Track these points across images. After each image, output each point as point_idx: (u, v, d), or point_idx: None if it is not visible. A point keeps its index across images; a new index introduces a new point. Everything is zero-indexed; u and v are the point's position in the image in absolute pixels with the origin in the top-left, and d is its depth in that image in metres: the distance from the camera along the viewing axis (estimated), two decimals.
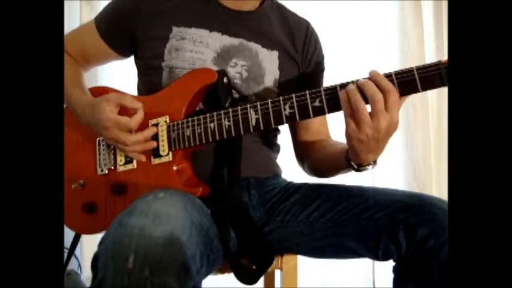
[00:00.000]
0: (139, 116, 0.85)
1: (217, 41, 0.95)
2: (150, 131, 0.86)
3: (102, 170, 0.93)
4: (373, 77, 0.72)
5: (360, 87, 0.72)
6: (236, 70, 0.95)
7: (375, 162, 0.80)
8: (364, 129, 0.72)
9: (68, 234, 0.98)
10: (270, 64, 0.98)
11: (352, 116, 0.72)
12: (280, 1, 1.09)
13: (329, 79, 1.09)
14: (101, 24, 1.01)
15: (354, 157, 0.79)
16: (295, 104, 0.78)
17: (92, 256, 0.64)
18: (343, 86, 0.75)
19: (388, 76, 0.72)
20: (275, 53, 0.99)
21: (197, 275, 0.64)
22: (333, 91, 0.76)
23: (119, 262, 0.58)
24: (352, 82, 0.74)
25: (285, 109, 0.79)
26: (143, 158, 0.87)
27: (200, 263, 0.66)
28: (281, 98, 0.79)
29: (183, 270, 0.60)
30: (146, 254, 0.58)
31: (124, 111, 0.86)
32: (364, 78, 0.73)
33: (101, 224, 0.92)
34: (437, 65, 0.71)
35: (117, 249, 0.59)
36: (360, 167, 0.81)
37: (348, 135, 0.74)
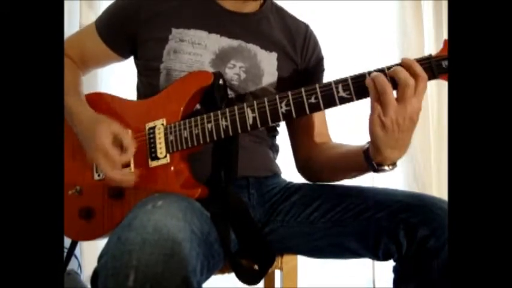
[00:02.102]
0: (127, 158, 0.84)
1: (215, 42, 0.95)
2: (129, 176, 0.85)
3: (99, 175, 0.92)
4: (405, 63, 0.72)
5: (391, 73, 0.72)
6: (234, 71, 0.95)
7: (394, 164, 0.79)
8: (389, 114, 0.71)
9: None
10: (268, 65, 0.98)
11: (378, 100, 0.72)
12: (280, 0, 1.09)
13: (329, 79, 1.09)
14: (101, 26, 1.01)
15: (376, 154, 0.77)
16: (291, 101, 0.78)
17: (92, 271, 0.64)
18: (337, 82, 0.76)
19: (381, 70, 0.74)
20: (274, 55, 0.99)
21: (198, 286, 0.64)
22: (327, 88, 0.76)
23: (120, 280, 0.58)
24: (346, 79, 0.75)
25: (281, 107, 0.79)
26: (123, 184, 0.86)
27: (201, 274, 0.66)
28: (277, 96, 0.80)
29: (184, 286, 0.60)
30: (147, 272, 0.58)
31: (117, 140, 0.85)
32: (395, 64, 0.74)
33: (98, 229, 0.92)
34: (428, 58, 0.73)
35: (117, 267, 0.59)
36: (379, 167, 0.79)
37: (372, 120, 0.74)
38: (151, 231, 0.61)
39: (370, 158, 0.79)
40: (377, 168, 0.79)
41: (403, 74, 0.71)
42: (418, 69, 0.71)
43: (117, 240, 0.62)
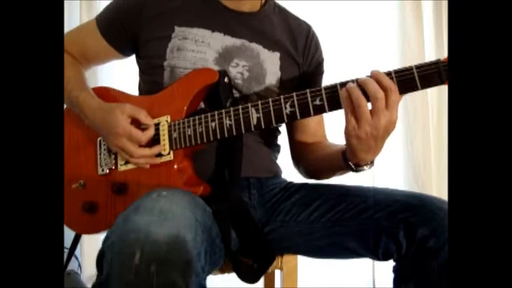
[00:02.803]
0: (150, 133, 0.86)
1: (219, 41, 0.95)
2: (157, 148, 0.86)
3: (102, 170, 0.93)
4: (374, 76, 0.72)
5: (361, 85, 0.72)
6: (237, 70, 0.95)
7: (372, 163, 0.80)
8: (363, 126, 0.72)
9: (68, 234, 0.98)
10: (271, 65, 0.98)
11: (353, 112, 0.73)
12: (281, 1, 1.09)
13: (329, 79, 1.08)
14: (102, 23, 1.01)
15: (352, 156, 0.79)
16: (296, 102, 0.78)
17: (97, 252, 0.65)
18: (343, 84, 0.76)
19: (388, 74, 0.73)
20: (276, 54, 0.99)
21: (202, 272, 0.64)
22: (333, 90, 0.76)
23: (126, 258, 0.59)
24: (352, 81, 0.75)
25: (285, 108, 0.79)
26: (147, 166, 0.87)
27: (204, 260, 0.66)
28: (282, 96, 0.80)
29: (188, 267, 0.60)
30: (153, 251, 0.58)
31: (133, 123, 0.86)
32: (365, 77, 0.74)
33: (101, 223, 0.93)
34: (436, 63, 0.72)
35: (124, 245, 0.60)
36: (357, 167, 0.81)
37: (347, 132, 0.74)
38: (157, 214, 0.62)
39: (347, 160, 0.81)
40: (355, 168, 0.82)
41: (372, 86, 0.71)
42: (386, 81, 0.71)
43: (123, 221, 0.63)
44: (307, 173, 1.04)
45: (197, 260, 0.62)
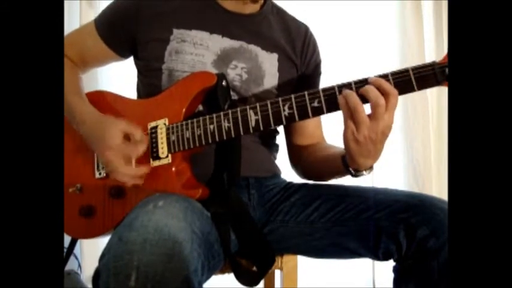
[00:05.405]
0: (142, 148, 0.84)
1: (217, 43, 0.95)
2: (143, 169, 0.84)
3: (100, 174, 0.92)
4: (374, 82, 0.72)
5: (363, 93, 0.72)
6: (236, 72, 0.95)
7: (371, 168, 0.80)
8: (362, 131, 0.72)
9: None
10: (269, 66, 0.98)
11: (351, 117, 0.73)
12: (281, 1, 1.09)
13: (329, 79, 1.08)
14: (101, 24, 1.01)
15: (351, 161, 0.79)
16: (294, 104, 0.78)
17: (93, 271, 0.64)
18: (341, 86, 0.76)
19: (385, 76, 0.73)
20: (275, 56, 0.99)
21: (199, 286, 0.64)
22: (331, 92, 0.76)
23: (121, 280, 0.58)
24: (350, 83, 0.75)
25: (284, 110, 0.79)
26: (129, 184, 0.85)
27: (201, 274, 0.66)
28: (280, 99, 0.80)
29: (185, 286, 0.60)
30: (148, 271, 0.58)
31: (125, 138, 0.85)
32: (362, 80, 0.74)
33: (98, 228, 0.92)
34: (432, 65, 0.72)
35: (118, 267, 0.59)
36: (356, 172, 0.81)
37: (346, 137, 0.75)
38: (152, 232, 0.61)
39: (347, 165, 0.81)
40: (354, 173, 0.82)
41: (373, 93, 0.71)
42: (387, 86, 0.71)
43: (118, 240, 0.62)
44: (305, 174, 1.04)
45: (194, 276, 0.62)
